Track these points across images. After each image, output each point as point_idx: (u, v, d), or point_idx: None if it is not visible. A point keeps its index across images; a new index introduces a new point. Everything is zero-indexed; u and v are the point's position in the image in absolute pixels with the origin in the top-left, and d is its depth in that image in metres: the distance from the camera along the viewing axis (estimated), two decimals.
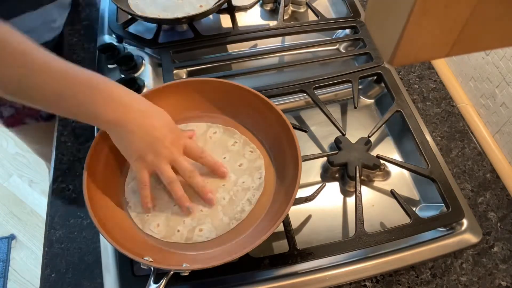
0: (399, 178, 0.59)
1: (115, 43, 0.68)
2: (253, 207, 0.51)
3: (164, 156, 0.48)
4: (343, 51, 0.75)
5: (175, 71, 0.65)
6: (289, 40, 0.75)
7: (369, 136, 0.59)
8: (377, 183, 0.59)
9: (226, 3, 0.74)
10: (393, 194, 0.54)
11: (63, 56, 0.43)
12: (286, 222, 0.51)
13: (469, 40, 0.25)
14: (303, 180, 0.49)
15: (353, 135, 0.59)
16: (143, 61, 0.67)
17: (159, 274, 0.43)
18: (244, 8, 0.77)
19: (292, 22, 0.74)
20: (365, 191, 0.57)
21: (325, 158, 0.58)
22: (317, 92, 0.63)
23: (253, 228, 0.49)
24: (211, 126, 0.58)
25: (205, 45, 0.70)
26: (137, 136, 0.46)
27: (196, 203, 0.51)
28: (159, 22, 0.70)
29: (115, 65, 0.66)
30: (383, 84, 0.66)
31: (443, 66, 0.73)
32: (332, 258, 0.50)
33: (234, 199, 0.51)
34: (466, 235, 0.52)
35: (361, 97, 0.68)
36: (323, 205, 0.56)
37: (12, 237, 1.49)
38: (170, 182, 0.48)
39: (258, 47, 0.74)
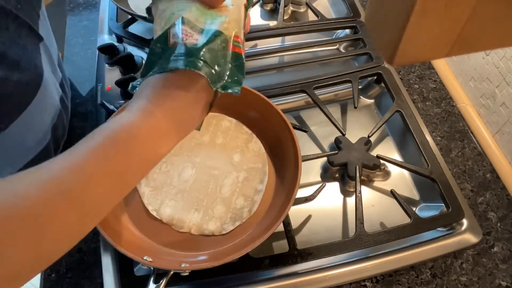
0: (399, 178, 0.59)
1: (115, 43, 0.68)
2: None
3: None
4: (343, 51, 0.75)
5: None
6: (289, 40, 0.75)
7: (369, 136, 0.59)
8: (377, 183, 0.59)
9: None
10: (393, 194, 0.54)
11: (63, 56, 0.42)
12: (286, 222, 0.51)
13: (469, 40, 0.25)
14: (303, 180, 0.49)
15: (353, 135, 0.59)
16: (143, 61, 0.66)
17: (159, 274, 0.43)
18: None
19: (292, 22, 0.74)
20: (365, 191, 0.57)
21: (325, 158, 0.58)
22: (317, 92, 0.63)
23: (253, 228, 0.49)
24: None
25: None
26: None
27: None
28: None
29: (115, 65, 0.66)
30: (383, 84, 0.66)
31: (443, 66, 0.73)
32: (332, 258, 0.50)
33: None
34: (466, 235, 0.52)
35: (361, 97, 0.68)
36: (323, 205, 0.56)
37: None
38: None
39: (258, 47, 0.74)
